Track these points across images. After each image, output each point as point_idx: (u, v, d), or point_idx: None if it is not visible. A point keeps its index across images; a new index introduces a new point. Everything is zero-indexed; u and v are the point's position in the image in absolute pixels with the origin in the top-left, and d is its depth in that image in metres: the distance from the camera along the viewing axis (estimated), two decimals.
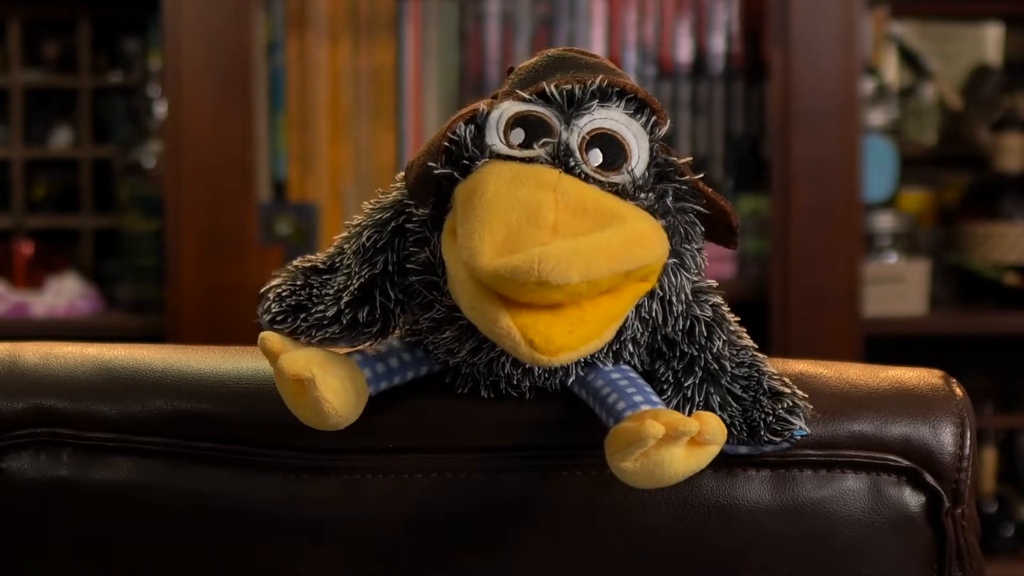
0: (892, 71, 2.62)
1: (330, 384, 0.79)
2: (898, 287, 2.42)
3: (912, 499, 0.84)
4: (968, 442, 0.85)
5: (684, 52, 2.38)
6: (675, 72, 2.38)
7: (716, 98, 2.39)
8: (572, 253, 0.74)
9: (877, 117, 2.43)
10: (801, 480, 0.84)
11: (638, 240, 0.77)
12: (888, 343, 2.35)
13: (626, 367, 0.83)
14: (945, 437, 0.85)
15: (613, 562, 0.84)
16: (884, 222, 2.44)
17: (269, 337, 0.80)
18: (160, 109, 2.38)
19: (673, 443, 0.76)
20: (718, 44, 2.39)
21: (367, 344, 0.85)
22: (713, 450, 0.78)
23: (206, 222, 2.26)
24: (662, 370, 0.84)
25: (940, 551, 0.84)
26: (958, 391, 0.87)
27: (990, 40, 2.74)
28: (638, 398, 0.80)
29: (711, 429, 0.77)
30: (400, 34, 2.37)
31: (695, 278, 0.84)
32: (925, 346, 2.38)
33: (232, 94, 2.26)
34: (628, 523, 0.83)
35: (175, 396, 0.86)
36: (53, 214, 2.58)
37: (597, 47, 2.36)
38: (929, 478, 0.84)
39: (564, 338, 0.76)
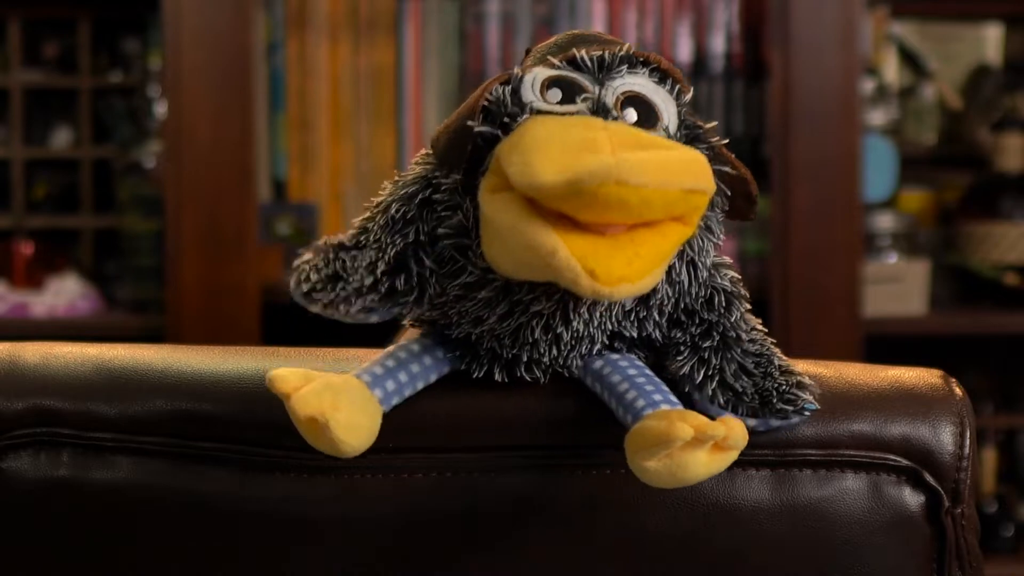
0: (892, 71, 2.62)
1: (343, 422, 0.79)
2: (898, 287, 2.42)
3: (912, 498, 0.84)
4: (968, 442, 0.85)
5: (684, 52, 2.38)
6: None
7: (716, 98, 2.39)
8: (645, 161, 0.73)
9: (877, 117, 2.43)
10: (801, 480, 0.84)
11: (696, 161, 0.76)
12: (888, 343, 2.35)
13: (640, 363, 0.84)
14: (945, 437, 0.85)
15: (613, 562, 0.84)
16: (884, 222, 2.44)
17: (278, 377, 0.80)
18: (160, 109, 2.38)
19: (699, 447, 0.77)
20: (718, 44, 2.38)
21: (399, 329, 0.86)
22: (733, 455, 0.78)
23: (206, 222, 2.26)
24: (679, 335, 0.84)
25: (940, 551, 0.84)
26: (958, 391, 0.87)
27: (990, 40, 2.74)
28: (657, 396, 0.80)
29: (735, 435, 0.78)
30: (400, 34, 2.37)
31: (718, 244, 0.84)
32: (925, 346, 2.38)
33: (232, 94, 2.26)
34: (628, 523, 0.83)
35: (175, 396, 0.86)
36: (53, 214, 2.58)
37: None
38: (929, 478, 0.84)
39: (623, 269, 0.74)
